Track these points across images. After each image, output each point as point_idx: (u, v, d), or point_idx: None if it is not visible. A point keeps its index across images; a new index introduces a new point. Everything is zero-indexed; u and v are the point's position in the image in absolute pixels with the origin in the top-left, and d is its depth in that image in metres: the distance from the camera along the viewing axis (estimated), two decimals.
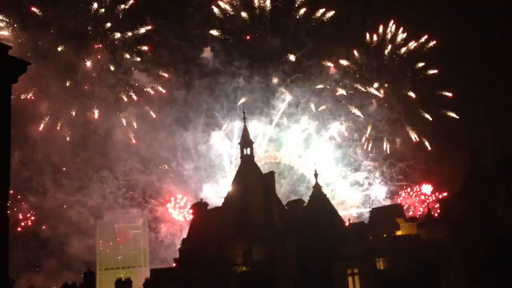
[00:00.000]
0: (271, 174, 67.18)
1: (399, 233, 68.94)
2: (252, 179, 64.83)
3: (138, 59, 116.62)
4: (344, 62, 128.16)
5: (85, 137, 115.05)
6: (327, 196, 69.42)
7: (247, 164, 69.56)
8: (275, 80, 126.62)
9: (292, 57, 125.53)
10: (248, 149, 70.40)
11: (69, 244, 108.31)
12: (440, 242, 58.39)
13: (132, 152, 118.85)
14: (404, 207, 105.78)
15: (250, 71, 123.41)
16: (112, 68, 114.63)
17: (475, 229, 56.25)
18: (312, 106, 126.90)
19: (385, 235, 65.77)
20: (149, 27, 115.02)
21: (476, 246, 53.19)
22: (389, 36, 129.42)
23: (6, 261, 15.22)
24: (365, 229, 66.75)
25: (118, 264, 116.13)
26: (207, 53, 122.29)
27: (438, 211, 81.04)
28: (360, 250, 53.64)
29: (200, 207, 66.19)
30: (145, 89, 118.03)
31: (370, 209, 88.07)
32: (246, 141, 71.14)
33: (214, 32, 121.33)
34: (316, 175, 67.74)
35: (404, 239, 63.05)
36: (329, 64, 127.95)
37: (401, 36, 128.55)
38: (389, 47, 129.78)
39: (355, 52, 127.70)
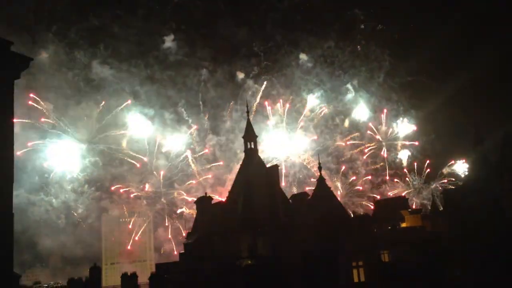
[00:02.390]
0: (275, 167, 67.12)
1: (403, 225, 68.82)
2: (256, 173, 64.76)
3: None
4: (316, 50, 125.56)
5: None
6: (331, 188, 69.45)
7: (251, 157, 69.44)
8: (241, 75, 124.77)
9: (258, 48, 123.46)
10: (252, 143, 70.26)
11: (75, 238, 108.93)
12: (445, 233, 58.28)
13: None
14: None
15: (215, 64, 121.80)
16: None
17: (480, 221, 56.07)
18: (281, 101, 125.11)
19: (389, 227, 65.69)
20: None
21: (481, 237, 53.07)
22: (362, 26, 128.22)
23: (11, 257, 15.23)
24: (370, 221, 66.69)
25: (124, 259, 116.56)
26: (169, 42, 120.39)
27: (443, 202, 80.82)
28: (365, 242, 53.65)
29: (204, 201, 66.20)
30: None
31: (375, 202, 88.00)
32: (249, 135, 70.98)
33: (174, 25, 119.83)
34: (320, 168, 67.68)
35: (409, 231, 62.93)
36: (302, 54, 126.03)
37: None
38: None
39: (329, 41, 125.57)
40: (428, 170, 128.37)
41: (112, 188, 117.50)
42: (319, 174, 67.21)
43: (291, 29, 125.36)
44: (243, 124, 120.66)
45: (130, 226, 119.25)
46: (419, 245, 55.21)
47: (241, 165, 72.32)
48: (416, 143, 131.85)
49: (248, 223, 60.05)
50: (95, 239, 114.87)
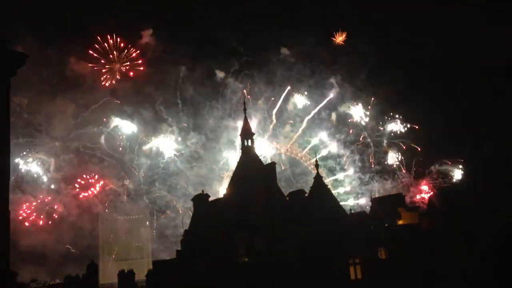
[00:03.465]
0: (272, 165, 67.18)
1: (400, 222, 69.00)
2: (253, 170, 64.85)
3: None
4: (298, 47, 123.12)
5: None
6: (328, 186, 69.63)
7: (248, 155, 69.54)
8: (220, 74, 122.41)
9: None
10: (249, 141, 70.31)
11: (72, 235, 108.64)
12: (441, 231, 58.46)
13: None
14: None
15: (194, 61, 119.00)
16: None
17: (477, 218, 56.23)
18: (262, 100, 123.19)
19: (386, 225, 65.86)
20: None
21: (478, 235, 53.23)
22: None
23: (8, 254, 15.22)
24: (367, 218, 66.88)
25: (121, 256, 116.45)
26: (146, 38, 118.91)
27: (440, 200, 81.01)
28: (362, 239, 53.81)
29: (201, 198, 66.22)
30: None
31: (371, 199, 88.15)
32: (246, 132, 71.06)
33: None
34: (317, 165, 67.81)
35: (406, 229, 63.11)
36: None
37: None
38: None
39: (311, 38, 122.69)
40: (415, 169, 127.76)
41: (94, 185, 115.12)
42: (316, 171, 67.39)
43: (272, 23, 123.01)
44: (227, 122, 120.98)
45: (127, 223, 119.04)
46: (416, 242, 55.41)
47: (238, 162, 72.42)
48: (405, 143, 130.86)
49: (245, 220, 60.13)
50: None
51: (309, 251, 53.13)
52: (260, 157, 71.70)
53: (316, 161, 68.98)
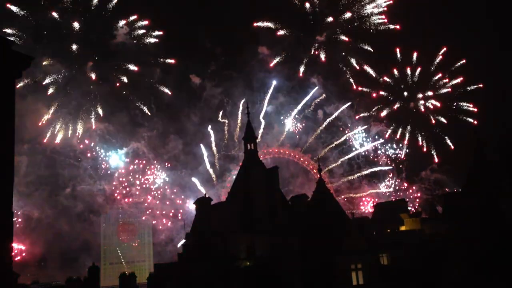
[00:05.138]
0: (275, 169, 67.09)
1: (403, 228, 68.91)
2: (256, 174, 64.76)
3: None
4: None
5: None
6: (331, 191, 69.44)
7: (251, 159, 69.47)
8: (196, 80, 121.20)
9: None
10: (252, 144, 70.27)
11: (74, 238, 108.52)
12: (444, 236, 58.33)
13: None
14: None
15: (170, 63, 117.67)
16: None
17: (479, 224, 56.09)
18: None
19: (388, 230, 65.76)
20: None
21: (480, 240, 53.06)
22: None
23: (10, 255, 15.24)
24: (369, 224, 66.75)
25: (123, 259, 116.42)
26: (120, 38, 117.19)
27: (442, 205, 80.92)
28: (364, 245, 53.64)
29: (203, 202, 66.17)
30: None
31: (374, 204, 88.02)
32: (249, 136, 71.01)
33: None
34: (319, 169, 67.67)
35: (408, 234, 63.03)
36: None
37: None
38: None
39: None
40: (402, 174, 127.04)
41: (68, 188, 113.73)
42: (319, 176, 67.22)
43: (249, 23, 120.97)
44: (204, 128, 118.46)
45: (129, 226, 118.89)
46: (418, 248, 55.27)
47: (240, 166, 72.36)
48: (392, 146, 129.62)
49: (247, 224, 60.05)
50: (94, 239, 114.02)
51: (311, 256, 52.99)
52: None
53: (319, 165, 68.81)
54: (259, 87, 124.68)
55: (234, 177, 78.27)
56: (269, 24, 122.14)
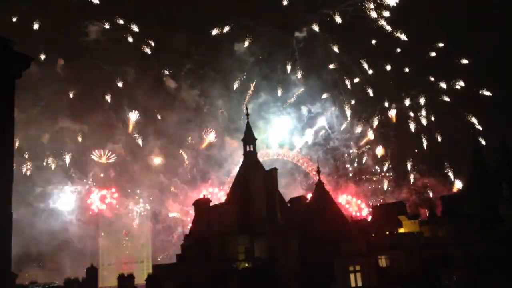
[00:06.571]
0: (274, 170, 67.16)
1: (401, 230, 68.80)
2: (255, 176, 64.82)
3: None
4: None
5: None
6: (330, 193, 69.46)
7: (250, 160, 69.57)
8: (172, 84, 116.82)
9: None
10: (251, 146, 70.38)
11: (72, 239, 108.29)
12: (442, 240, 58.30)
13: None
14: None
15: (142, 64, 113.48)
16: None
17: (478, 228, 56.09)
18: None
19: (387, 233, 65.69)
20: None
21: (478, 244, 53.07)
22: None
23: (9, 256, 15.23)
24: (368, 226, 66.73)
25: (121, 260, 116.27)
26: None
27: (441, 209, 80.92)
28: (362, 247, 53.63)
29: (202, 203, 66.22)
30: None
31: (373, 207, 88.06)
32: (249, 138, 71.14)
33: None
34: (318, 171, 67.76)
35: (407, 237, 62.93)
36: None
37: None
38: None
39: None
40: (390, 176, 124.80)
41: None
42: (318, 178, 67.30)
43: (225, 18, 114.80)
44: (179, 130, 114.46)
45: (127, 227, 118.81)
46: (417, 250, 55.25)
47: (240, 167, 72.47)
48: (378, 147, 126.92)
49: (246, 225, 60.10)
50: (93, 240, 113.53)
51: (309, 257, 53.00)
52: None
53: (318, 167, 68.89)
54: (238, 87, 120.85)
55: (234, 177, 78.25)
56: (247, 21, 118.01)
